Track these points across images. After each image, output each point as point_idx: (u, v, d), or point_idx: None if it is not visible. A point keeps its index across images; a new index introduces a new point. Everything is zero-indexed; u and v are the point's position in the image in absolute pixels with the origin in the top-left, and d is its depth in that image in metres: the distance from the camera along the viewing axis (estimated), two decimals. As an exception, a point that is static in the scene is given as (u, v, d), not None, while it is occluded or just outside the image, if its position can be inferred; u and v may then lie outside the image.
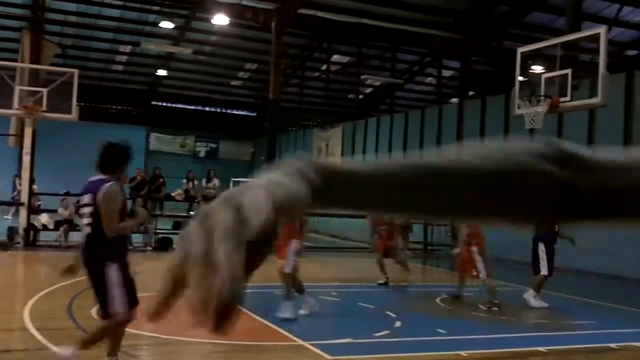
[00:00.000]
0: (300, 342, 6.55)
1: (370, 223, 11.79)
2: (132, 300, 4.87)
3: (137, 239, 14.77)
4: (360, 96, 29.06)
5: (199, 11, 20.11)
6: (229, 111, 33.00)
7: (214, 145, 33.74)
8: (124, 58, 26.76)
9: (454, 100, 22.48)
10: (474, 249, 9.25)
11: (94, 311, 7.46)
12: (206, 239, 0.52)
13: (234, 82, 29.09)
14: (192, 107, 32.31)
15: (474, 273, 9.26)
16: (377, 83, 26.73)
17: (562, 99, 11.22)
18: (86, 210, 4.91)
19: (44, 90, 14.67)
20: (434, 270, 15.58)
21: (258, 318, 7.50)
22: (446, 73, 24.25)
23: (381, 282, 11.21)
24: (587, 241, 9.64)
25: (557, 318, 8.96)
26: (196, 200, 18.02)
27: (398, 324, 7.81)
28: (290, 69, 26.12)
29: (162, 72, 27.76)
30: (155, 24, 22.15)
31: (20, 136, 16.31)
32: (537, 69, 12.93)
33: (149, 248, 15.59)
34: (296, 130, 30.69)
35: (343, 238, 21.04)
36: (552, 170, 0.63)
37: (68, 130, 23.31)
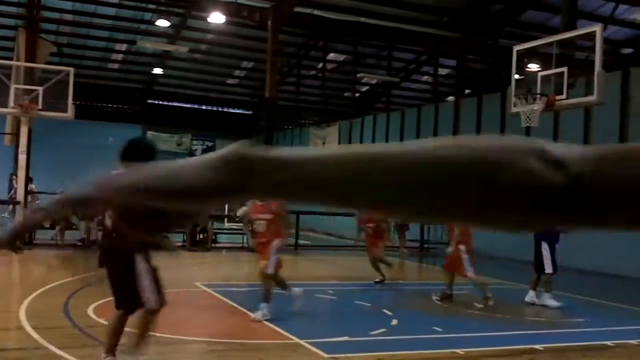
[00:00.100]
0: (296, 340, 6.55)
1: (357, 221, 11.74)
2: (159, 289, 4.96)
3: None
4: (357, 94, 29.05)
5: (195, 9, 20.09)
6: (225, 109, 32.95)
7: (210, 144, 33.67)
8: (119, 56, 26.70)
9: (450, 98, 22.51)
10: (462, 247, 9.25)
11: (90, 310, 7.47)
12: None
13: (230, 81, 29.05)
14: (188, 106, 32.25)
15: (464, 273, 9.24)
16: (374, 81, 26.71)
17: (558, 97, 11.24)
18: None
19: (40, 89, 14.62)
20: (431, 268, 15.58)
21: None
22: (442, 71, 24.25)
23: (377, 280, 11.22)
24: (589, 241, 9.64)
25: (554, 316, 8.99)
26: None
27: (394, 322, 7.81)
28: (287, 67, 26.09)
29: (158, 71, 27.70)
30: (151, 22, 22.09)
31: (16, 135, 16.27)
32: (533, 67, 12.92)
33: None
34: (292, 128, 30.67)
35: (339, 236, 21.06)
36: (535, 168, 0.61)
37: (64, 128, 23.26)
